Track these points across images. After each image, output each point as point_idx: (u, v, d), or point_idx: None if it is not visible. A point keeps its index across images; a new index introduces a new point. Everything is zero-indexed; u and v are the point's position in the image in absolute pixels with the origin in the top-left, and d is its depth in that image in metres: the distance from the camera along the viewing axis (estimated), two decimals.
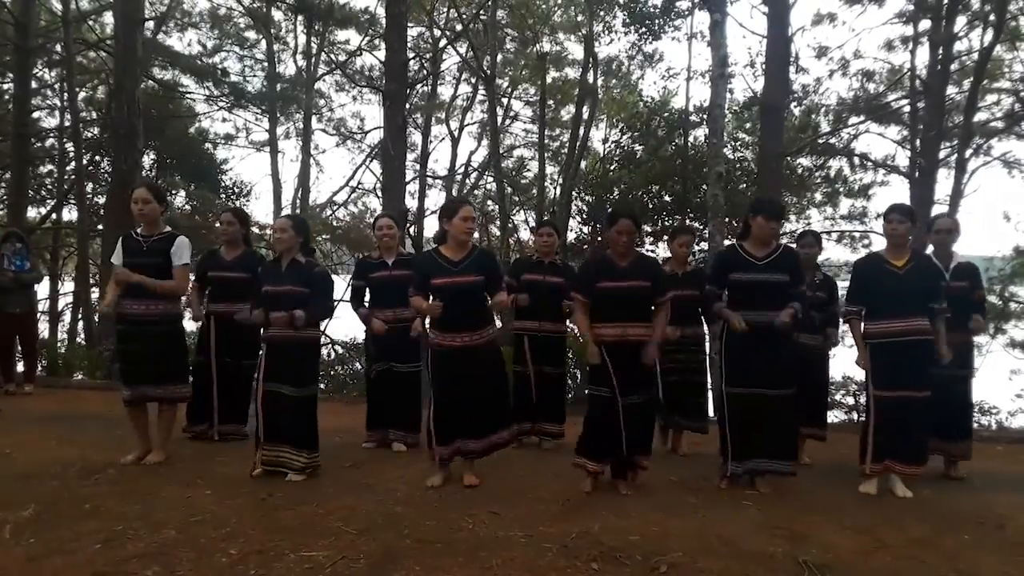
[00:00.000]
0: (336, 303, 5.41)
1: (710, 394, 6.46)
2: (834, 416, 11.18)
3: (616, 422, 4.52)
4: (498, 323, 5.04)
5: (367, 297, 5.87)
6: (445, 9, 19.61)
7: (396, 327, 5.64)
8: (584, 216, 16.29)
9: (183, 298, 5.34)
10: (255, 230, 19.15)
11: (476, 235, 21.51)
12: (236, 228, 5.89)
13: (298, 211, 20.35)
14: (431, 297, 4.58)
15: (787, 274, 4.63)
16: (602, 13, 15.67)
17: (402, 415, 5.78)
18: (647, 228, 14.74)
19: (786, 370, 4.67)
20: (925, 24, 13.78)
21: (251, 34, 19.95)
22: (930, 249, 5.53)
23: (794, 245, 5.74)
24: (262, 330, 4.88)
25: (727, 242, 10.52)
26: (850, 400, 11.13)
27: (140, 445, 5.13)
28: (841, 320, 5.27)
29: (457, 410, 4.57)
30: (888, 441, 4.70)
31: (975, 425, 8.85)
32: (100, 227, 14.84)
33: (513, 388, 6.05)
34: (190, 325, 6.30)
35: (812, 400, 5.70)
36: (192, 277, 5.66)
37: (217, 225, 6.09)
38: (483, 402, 4.61)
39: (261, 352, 4.91)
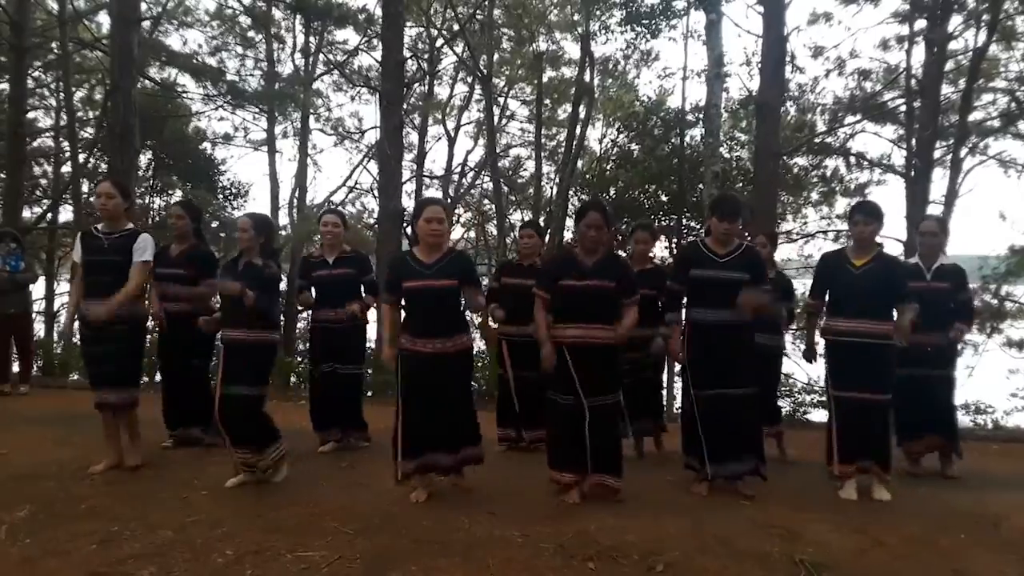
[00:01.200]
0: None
1: (665, 392, 6.37)
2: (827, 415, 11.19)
3: (581, 428, 4.33)
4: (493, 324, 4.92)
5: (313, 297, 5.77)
6: (442, 9, 19.60)
7: (337, 328, 5.57)
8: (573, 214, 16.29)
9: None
10: None
11: (472, 234, 21.69)
12: (186, 222, 5.65)
13: (295, 211, 20.32)
14: (402, 301, 4.40)
15: (747, 272, 4.56)
16: (598, 12, 15.67)
17: (354, 417, 5.80)
18: None
19: (747, 369, 4.62)
20: (921, 24, 13.80)
21: (251, 34, 19.89)
22: (917, 251, 5.48)
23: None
24: (220, 332, 4.69)
25: None
26: None
27: (111, 453, 4.96)
28: (797, 312, 5.22)
29: (424, 421, 4.30)
30: (855, 443, 4.66)
31: (971, 424, 8.89)
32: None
33: (498, 394, 6.01)
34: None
35: (766, 399, 5.60)
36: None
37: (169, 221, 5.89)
38: (453, 413, 4.37)
39: (217, 354, 4.72)
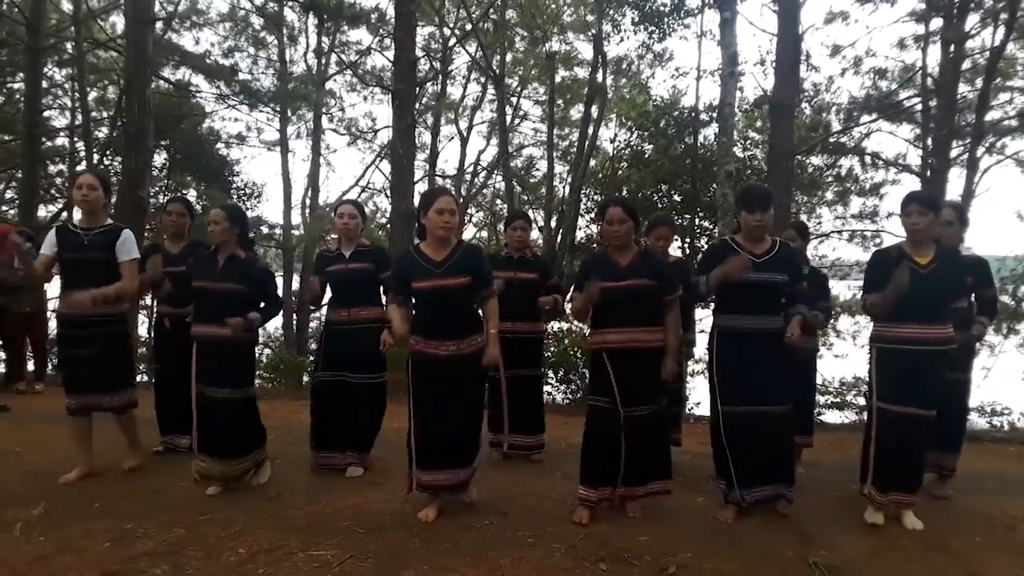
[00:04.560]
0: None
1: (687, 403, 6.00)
2: (844, 417, 11.14)
3: (616, 437, 4.10)
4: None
5: (328, 294, 5.26)
6: (455, 8, 19.63)
7: (350, 329, 5.01)
8: (593, 215, 16.29)
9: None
10: (263, 229, 19.28)
11: (484, 234, 21.69)
12: (186, 220, 5.48)
13: (307, 210, 20.40)
14: (412, 301, 4.09)
15: (787, 273, 4.16)
16: (611, 12, 15.64)
17: (357, 434, 5.17)
18: None
19: (784, 383, 4.25)
20: (937, 22, 13.71)
21: (263, 34, 19.99)
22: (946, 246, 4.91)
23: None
24: (191, 328, 4.47)
25: None
26: (861, 400, 11.06)
27: (83, 460, 4.74)
28: (865, 311, 4.50)
29: (439, 430, 4.04)
30: (891, 466, 4.18)
31: (987, 426, 8.81)
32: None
33: (488, 395, 5.39)
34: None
35: (800, 407, 5.06)
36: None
37: (165, 217, 5.64)
38: (465, 423, 4.11)
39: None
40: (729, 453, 4.21)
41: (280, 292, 4.65)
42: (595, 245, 15.49)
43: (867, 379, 4.45)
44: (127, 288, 4.58)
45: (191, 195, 18.62)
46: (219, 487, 4.45)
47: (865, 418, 4.71)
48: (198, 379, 4.43)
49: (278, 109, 18.78)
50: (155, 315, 5.24)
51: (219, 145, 19.39)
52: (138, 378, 10.34)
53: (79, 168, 15.43)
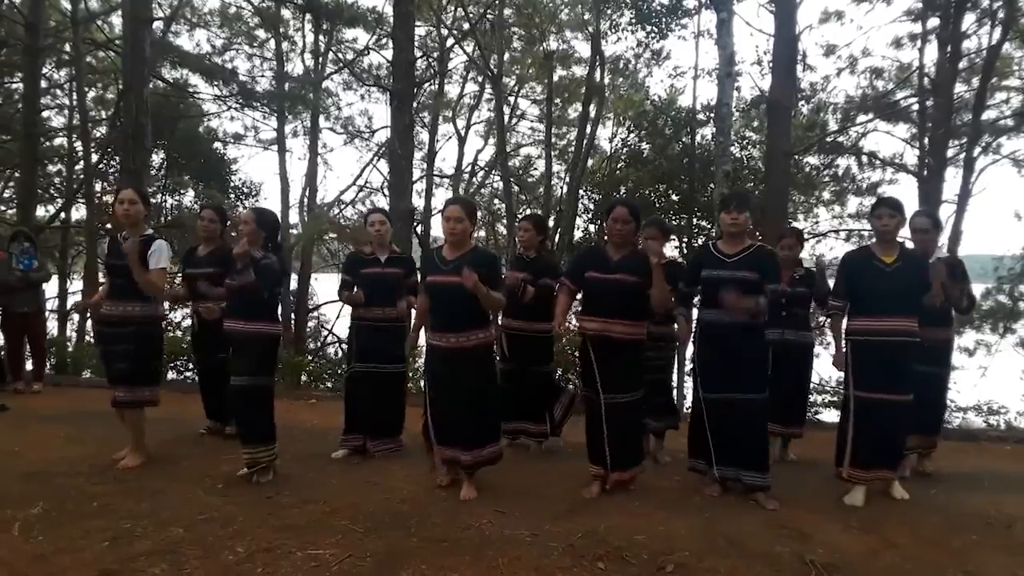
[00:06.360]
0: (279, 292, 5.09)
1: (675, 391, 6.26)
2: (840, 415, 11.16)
3: (600, 424, 4.48)
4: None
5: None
6: (452, 8, 19.62)
7: (381, 326, 5.46)
8: (591, 215, 16.31)
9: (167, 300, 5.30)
10: None
11: (483, 233, 21.68)
12: (217, 226, 5.88)
13: (305, 210, 20.37)
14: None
15: (757, 272, 4.38)
16: (609, 11, 15.65)
17: (389, 420, 5.58)
18: None
19: (755, 372, 4.49)
20: (934, 22, 13.72)
21: (260, 33, 19.96)
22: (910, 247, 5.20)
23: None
24: (224, 323, 4.81)
25: None
26: None
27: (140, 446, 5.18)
28: (822, 314, 5.11)
29: (444, 414, 4.50)
30: (872, 448, 4.54)
31: (983, 424, 8.83)
32: (108, 226, 14.88)
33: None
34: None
35: (794, 398, 5.67)
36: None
37: (198, 222, 6.09)
38: (470, 410, 4.43)
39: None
40: (709, 434, 4.61)
41: (278, 289, 4.96)
42: (593, 244, 15.51)
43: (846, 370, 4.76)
44: (151, 284, 4.86)
45: (189, 194, 18.64)
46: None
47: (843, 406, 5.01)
48: (233, 371, 4.73)
49: (275, 109, 18.76)
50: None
51: (216, 144, 19.39)
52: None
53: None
